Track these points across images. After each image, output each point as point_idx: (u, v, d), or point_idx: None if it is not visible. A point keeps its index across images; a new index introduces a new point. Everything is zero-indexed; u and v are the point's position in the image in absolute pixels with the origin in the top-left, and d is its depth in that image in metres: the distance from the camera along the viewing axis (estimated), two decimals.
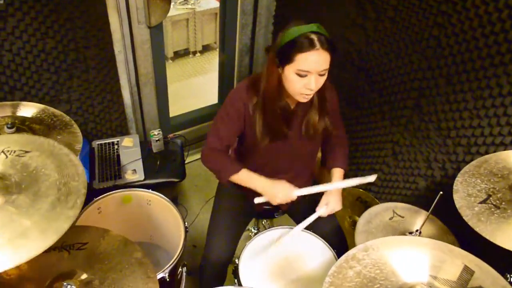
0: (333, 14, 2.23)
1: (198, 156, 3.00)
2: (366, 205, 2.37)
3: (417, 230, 1.46)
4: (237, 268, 1.61)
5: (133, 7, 2.15)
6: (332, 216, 1.83)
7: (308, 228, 1.71)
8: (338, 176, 1.71)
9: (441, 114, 1.80)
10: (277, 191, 1.57)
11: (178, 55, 4.29)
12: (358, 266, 1.17)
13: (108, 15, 2.03)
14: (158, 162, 2.25)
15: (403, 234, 1.50)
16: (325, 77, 1.42)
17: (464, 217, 1.23)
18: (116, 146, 2.31)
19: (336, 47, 1.37)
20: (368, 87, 2.13)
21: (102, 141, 2.33)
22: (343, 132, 1.81)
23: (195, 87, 3.94)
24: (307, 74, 1.37)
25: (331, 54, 1.36)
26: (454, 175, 1.82)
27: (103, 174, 2.15)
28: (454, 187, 1.32)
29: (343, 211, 2.56)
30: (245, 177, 1.63)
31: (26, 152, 1.40)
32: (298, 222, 1.83)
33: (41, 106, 1.77)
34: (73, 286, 1.30)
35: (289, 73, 1.39)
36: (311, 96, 1.46)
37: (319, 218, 1.77)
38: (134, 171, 2.19)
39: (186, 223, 1.81)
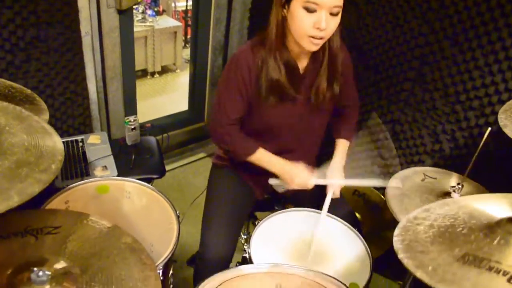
0: None
1: (169, 166, 2.71)
2: (365, 199, 2.19)
3: (458, 184, 1.29)
4: (250, 256, 1.34)
5: None
6: (344, 202, 1.67)
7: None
8: (342, 147, 1.63)
9: (447, 79, 1.71)
10: (296, 175, 1.45)
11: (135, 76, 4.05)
12: (427, 220, 0.96)
13: None
14: (133, 157, 1.94)
15: (442, 193, 1.32)
16: (337, 20, 1.27)
17: None
18: (81, 144, 1.98)
19: None
20: (362, 66, 2.01)
21: (64, 139, 2.00)
22: (355, 100, 1.66)
23: (156, 106, 3.69)
24: (316, 9, 1.21)
25: None
26: (466, 145, 1.73)
27: (66, 171, 1.81)
28: (501, 123, 1.18)
29: None
30: (262, 157, 1.47)
31: None
32: None
33: None
34: (46, 272, 0.97)
35: (296, 8, 1.24)
36: (321, 43, 1.29)
37: (332, 204, 1.58)
38: (105, 167, 1.86)
39: (177, 211, 1.52)
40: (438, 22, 1.68)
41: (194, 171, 2.80)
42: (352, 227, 1.48)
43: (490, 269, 0.79)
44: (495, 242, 0.85)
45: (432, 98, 1.78)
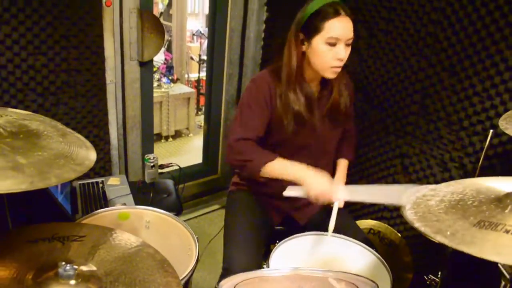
0: None
1: (183, 217, 2.73)
2: (380, 236, 2.18)
3: None
4: None
5: (126, 41, 2.14)
6: (358, 230, 1.69)
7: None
8: (342, 167, 1.72)
9: (449, 107, 1.81)
10: (320, 183, 1.38)
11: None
12: (436, 197, 1.01)
13: (104, 38, 1.99)
14: (151, 195, 2.00)
15: None
16: (349, 49, 1.45)
17: None
18: (101, 185, 2.06)
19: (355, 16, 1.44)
20: (367, 105, 2.13)
21: (84, 181, 2.08)
22: (352, 124, 1.80)
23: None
24: (336, 42, 1.40)
25: (353, 22, 1.42)
26: (475, 169, 1.77)
27: (87, 208, 1.86)
28: (501, 127, 1.26)
29: None
30: (282, 165, 1.44)
31: (26, 119, 1.26)
32: None
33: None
34: (74, 267, 1.02)
35: (318, 44, 1.41)
36: (339, 70, 1.46)
37: (348, 232, 1.60)
38: (124, 204, 1.92)
39: (196, 236, 1.54)
40: (434, 56, 1.82)
41: (208, 221, 2.81)
42: (369, 248, 1.49)
43: (507, 231, 0.82)
44: (507, 210, 0.88)
45: (437, 128, 1.86)
